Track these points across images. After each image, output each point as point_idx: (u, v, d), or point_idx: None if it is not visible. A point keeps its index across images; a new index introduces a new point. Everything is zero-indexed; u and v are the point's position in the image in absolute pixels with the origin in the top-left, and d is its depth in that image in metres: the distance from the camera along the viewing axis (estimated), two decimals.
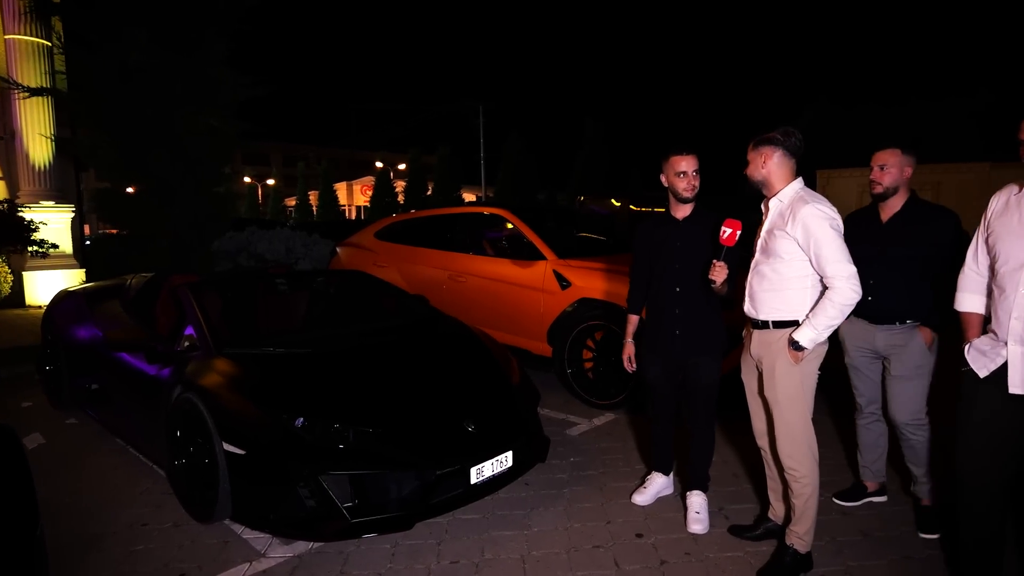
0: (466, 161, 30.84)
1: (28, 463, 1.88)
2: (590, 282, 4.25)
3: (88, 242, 7.56)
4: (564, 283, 4.36)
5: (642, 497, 2.83)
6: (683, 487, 2.82)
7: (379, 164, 34.80)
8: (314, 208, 36.68)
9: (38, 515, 1.79)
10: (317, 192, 36.53)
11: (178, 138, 5.47)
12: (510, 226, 4.89)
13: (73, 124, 5.54)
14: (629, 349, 2.77)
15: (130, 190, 5.71)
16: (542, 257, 4.56)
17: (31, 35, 8.78)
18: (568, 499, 2.88)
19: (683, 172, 2.50)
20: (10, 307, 8.90)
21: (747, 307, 2.29)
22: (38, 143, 9.36)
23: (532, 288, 4.54)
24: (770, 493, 2.47)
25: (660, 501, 2.83)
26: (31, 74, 8.61)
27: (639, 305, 2.80)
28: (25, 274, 9.26)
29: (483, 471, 2.58)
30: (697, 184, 2.52)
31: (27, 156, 9.37)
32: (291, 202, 39.99)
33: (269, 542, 2.50)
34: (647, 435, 3.66)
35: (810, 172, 15.59)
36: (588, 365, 4.30)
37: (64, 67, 5.83)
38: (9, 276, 8.89)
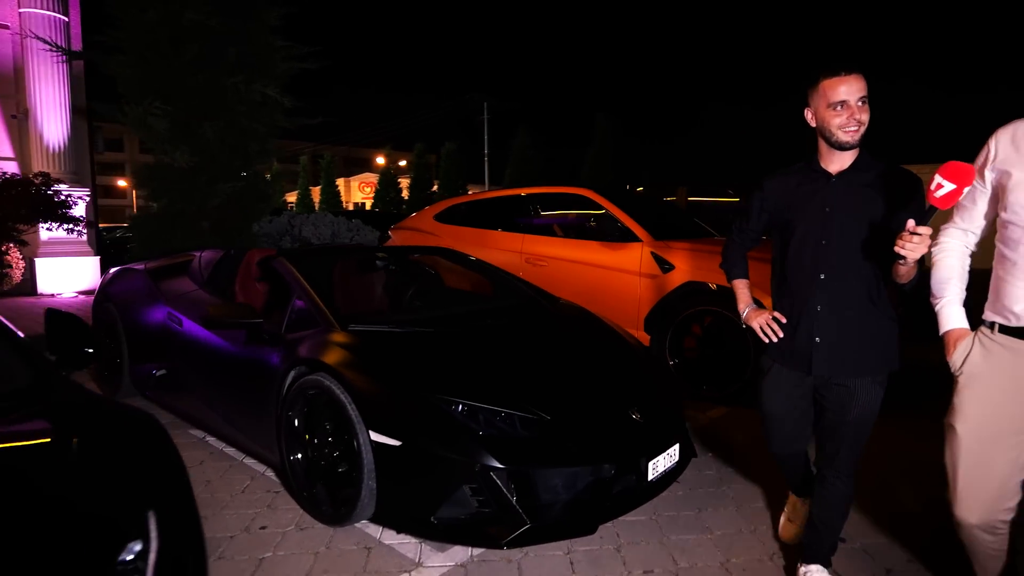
0: (471, 157, 30.51)
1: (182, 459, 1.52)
2: (697, 264, 3.93)
3: (128, 223, 7.18)
4: (666, 266, 4.03)
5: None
6: (787, 554, 2.10)
7: (380, 160, 34.38)
8: (316, 204, 36.15)
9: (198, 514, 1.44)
10: (319, 188, 36.07)
11: (228, 108, 5.08)
12: (600, 210, 4.55)
13: (120, 95, 5.13)
14: (761, 316, 1.90)
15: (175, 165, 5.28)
16: (637, 239, 4.23)
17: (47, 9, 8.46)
18: (734, 499, 2.54)
19: (841, 102, 1.64)
20: (21, 295, 8.45)
21: (1005, 308, 1.49)
22: (52, 122, 8.94)
23: (627, 272, 4.20)
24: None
25: None
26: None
27: (742, 268, 2.05)
28: (37, 261, 8.80)
29: (657, 466, 2.24)
30: (865, 120, 1.65)
31: (40, 136, 8.95)
32: (291, 197, 39.43)
33: (419, 549, 2.14)
34: None
35: None
36: (690, 355, 3.98)
37: (100, 36, 5.39)
38: (21, 263, 8.42)
